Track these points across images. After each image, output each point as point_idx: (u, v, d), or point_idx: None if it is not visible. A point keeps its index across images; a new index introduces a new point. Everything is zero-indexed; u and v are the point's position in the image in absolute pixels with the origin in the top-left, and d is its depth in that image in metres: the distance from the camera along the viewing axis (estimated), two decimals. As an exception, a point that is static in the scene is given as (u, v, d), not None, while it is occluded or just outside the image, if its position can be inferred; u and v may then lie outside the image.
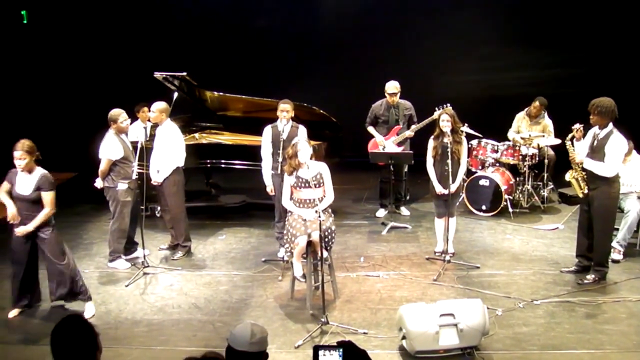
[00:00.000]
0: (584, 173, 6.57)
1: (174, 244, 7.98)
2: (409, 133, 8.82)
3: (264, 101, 9.04)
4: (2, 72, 11.69)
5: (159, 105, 7.55)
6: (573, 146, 6.73)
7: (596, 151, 6.44)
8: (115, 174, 7.26)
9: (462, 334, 5.23)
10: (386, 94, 8.81)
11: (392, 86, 8.78)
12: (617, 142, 6.33)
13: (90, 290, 6.49)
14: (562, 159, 8.96)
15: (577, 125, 6.71)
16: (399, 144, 8.87)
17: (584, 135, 6.71)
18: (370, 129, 8.98)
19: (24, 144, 5.93)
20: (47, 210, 6.00)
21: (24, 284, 6.31)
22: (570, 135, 6.73)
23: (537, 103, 9.32)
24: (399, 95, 8.81)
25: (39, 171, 6.03)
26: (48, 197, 5.99)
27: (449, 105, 7.83)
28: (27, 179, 5.98)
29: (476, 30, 11.42)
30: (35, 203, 5.99)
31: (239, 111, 9.67)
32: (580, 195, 6.70)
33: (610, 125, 6.38)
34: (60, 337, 3.27)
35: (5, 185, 6.07)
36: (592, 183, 6.50)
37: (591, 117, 6.44)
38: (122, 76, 11.55)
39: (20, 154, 5.89)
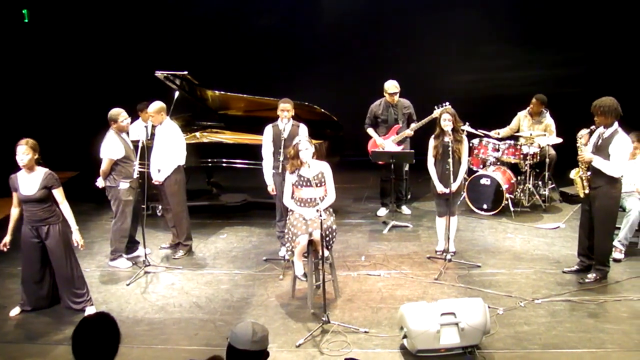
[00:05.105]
0: (588, 174, 6.54)
1: (175, 242, 7.99)
2: (409, 132, 8.81)
3: (264, 100, 9.04)
4: (3, 71, 11.69)
5: (155, 106, 7.55)
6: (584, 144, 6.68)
7: (600, 150, 6.42)
8: (116, 173, 7.26)
9: (463, 332, 5.23)
10: (386, 94, 8.79)
11: (393, 85, 8.76)
12: (622, 142, 6.30)
13: (91, 290, 6.51)
14: (563, 158, 8.98)
15: (582, 132, 6.66)
16: (399, 143, 8.86)
17: (591, 134, 6.67)
18: (370, 131, 8.96)
19: (28, 140, 5.98)
20: (66, 205, 6.16)
21: (31, 289, 6.34)
22: (580, 133, 6.66)
23: (534, 100, 9.29)
24: (398, 94, 8.81)
25: (41, 170, 6.05)
26: (60, 193, 6.12)
27: (448, 104, 7.83)
28: (29, 179, 6.01)
29: (476, 29, 11.40)
30: (42, 201, 6.03)
31: (240, 110, 9.68)
32: (582, 195, 6.68)
33: (616, 124, 6.36)
34: (86, 334, 3.23)
35: (15, 196, 6.12)
36: (594, 182, 6.48)
37: (595, 118, 6.42)
38: (123, 75, 11.56)
39: (24, 149, 5.93)
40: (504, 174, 9.03)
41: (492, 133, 9.36)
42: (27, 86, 12.03)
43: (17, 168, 6.06)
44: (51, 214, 6.11)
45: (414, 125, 8.77)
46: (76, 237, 6.25)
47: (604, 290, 6.54)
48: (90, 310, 6.24)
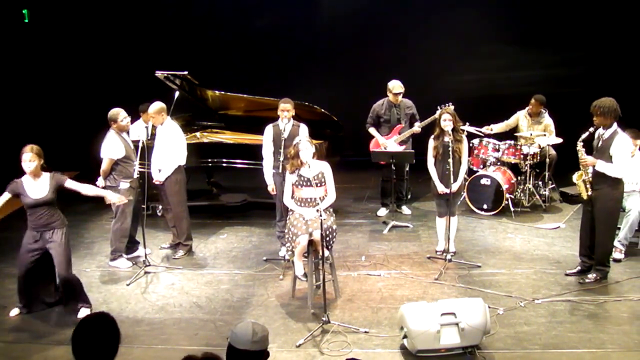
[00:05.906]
0: (590, 177, 6.53)
1: (175, 242, 7.99)
2: (416, 129, 8.79)
3: (265, 100, 9.04)
4: (3, 71, 11.69)
5: (155, 107, 7.54)
6: (583, 148, 6.66)
7: (601, 152, 6.41)
8: (117, 173, 7.26)
9: (464, 333, 5.23)
10: (390, 93, 8.77)
11: (399, 85, 8.74)
12: (623, 142, 6.30)
13: (91, 290, 6.51)
14: (563, 158, 8.98)
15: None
16: (401, 143, 8.86)
17: (593, 136, 6.65)
18: (372, 130, 8.95)
19: (32, 147, 6.00)
20: (85, 185, 6.37)
21: (27, 289, 6.32)
22: (581, 137, 6.64)
23: (532, 100, 9.28)
24: (402, 94, 8.80)
25: (46, 174, 6.08)
26: (72, 181, 6.27)
27: (450, 104, 7.82)
28: (37, 184, 6.02)
29: (476, 29, 11.39)
30: (51, 204, 6.06)
31: (240, 110, 9.68)
32: (585, 197, 6.65)
33: (615, 125, 6.35)
34: (86, 334, 3.23)
35: (6, 195, 6.09)
36: (597, 184, 6.47)
37: (594, 118, 6.41)
38: (123, 75, 11.55)
39: (30, 157, 5.94)
40: (504, 174, 9.03)
41: (484, 129, 9.29)
42: (28, 86, 12.03)
43: (19, 170, 6.04)
44: (57, 218, 6.13)
45: (418, 124, 8.76)
46: (113, 198, 6.53)
47: (604, 291, 6.54)
48: (86, 312, 6.22)
